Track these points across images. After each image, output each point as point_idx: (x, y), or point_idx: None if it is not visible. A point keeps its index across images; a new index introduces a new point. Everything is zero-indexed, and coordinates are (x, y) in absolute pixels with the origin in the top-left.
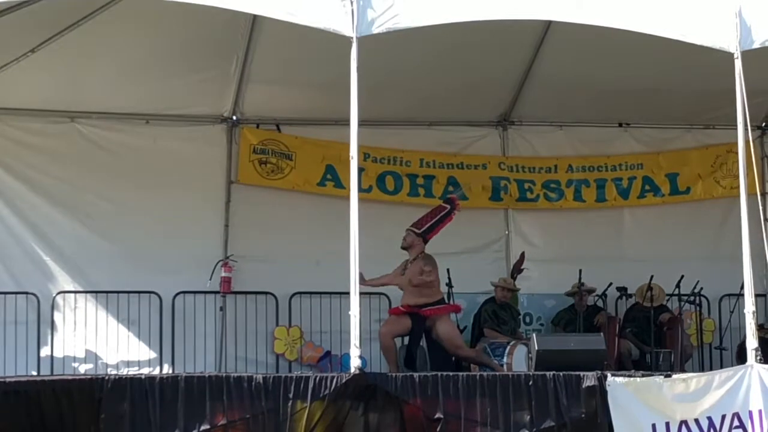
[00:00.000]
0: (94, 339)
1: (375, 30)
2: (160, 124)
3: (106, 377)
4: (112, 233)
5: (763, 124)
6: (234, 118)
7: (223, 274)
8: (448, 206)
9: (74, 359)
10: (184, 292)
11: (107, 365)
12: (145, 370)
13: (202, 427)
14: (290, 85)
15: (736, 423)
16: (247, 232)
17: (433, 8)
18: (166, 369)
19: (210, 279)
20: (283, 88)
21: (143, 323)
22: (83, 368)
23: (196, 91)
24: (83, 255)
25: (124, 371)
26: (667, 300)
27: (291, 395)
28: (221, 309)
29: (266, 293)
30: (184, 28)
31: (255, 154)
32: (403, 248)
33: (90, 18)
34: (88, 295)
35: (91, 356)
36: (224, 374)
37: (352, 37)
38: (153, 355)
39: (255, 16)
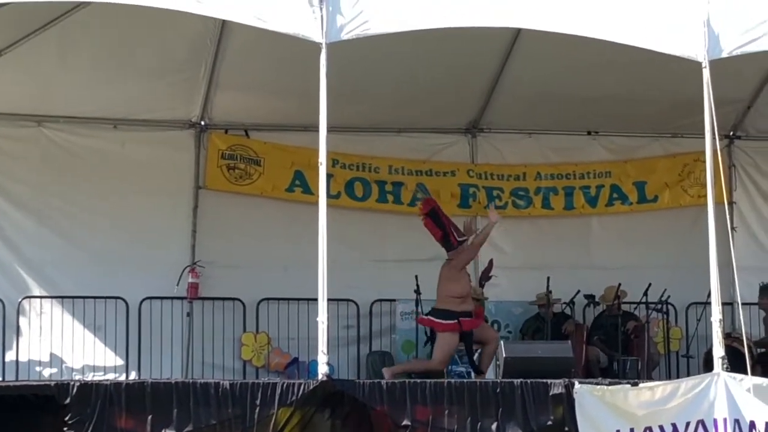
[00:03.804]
0: (60, 344)
1: (344, 36)
2: (128, 129)
3: (72, 383)
4: (79, 238)
5: (731, 133)
6: (202, 123)
7: (191, 280)
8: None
9: (39, 364)
10: (151, 298)
11: (73, 370)
12: (111, 376)
13: None
14: (259, 91)
15: (700, 430)
16: (214, 237)
17: (403, 15)
18: (133, 375)
19: (177, 284)
20: (252, 94)
21: (109, 328)
22: (48, 373)
23: (165, 95)
24: (49, 260)
25: (90, 377)
26: (635, 308)
27: (258, 401)
28: (188, 315)
29: (234, 299)
30: (152, 32)
31: (223, 159)
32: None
33: (58, 21)
34: (54, 300)
35: (57, 361)
36: (191, 380)
37: (321, 44)
38: (119, 360)
39: (224, 21)
